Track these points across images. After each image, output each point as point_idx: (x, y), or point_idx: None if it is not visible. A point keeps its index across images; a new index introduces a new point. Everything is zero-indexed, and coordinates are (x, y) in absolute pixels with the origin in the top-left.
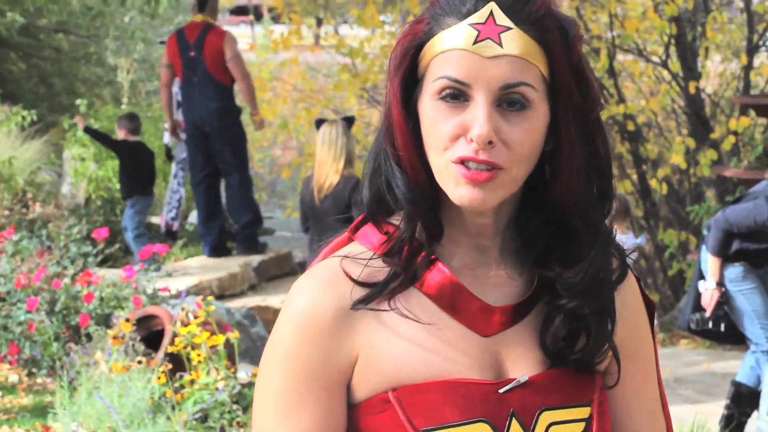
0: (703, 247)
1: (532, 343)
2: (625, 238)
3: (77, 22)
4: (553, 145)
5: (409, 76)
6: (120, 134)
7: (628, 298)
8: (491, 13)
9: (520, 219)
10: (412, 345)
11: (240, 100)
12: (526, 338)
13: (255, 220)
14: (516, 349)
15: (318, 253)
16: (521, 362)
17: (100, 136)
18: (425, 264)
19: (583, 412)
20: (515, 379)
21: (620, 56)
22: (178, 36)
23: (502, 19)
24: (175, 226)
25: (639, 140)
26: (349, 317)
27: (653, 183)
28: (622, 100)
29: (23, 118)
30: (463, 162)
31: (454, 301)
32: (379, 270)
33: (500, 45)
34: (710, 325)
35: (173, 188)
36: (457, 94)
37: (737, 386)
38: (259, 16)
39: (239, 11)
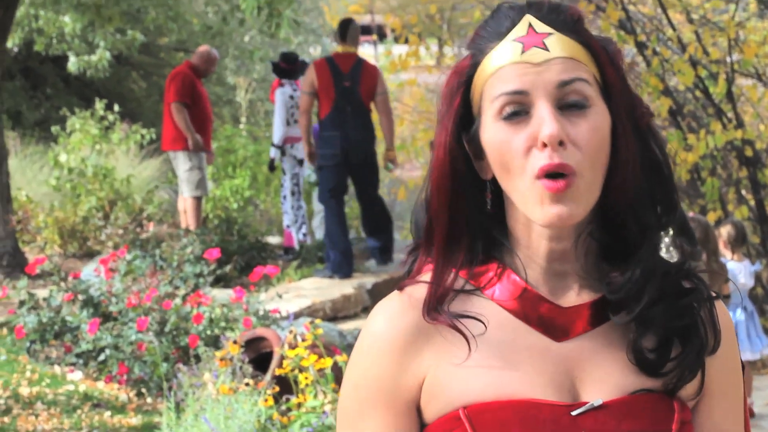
0: None
1: (612, 364)
2: (741, 265)
3: (197, 41)
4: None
5: (461, 115)
6: None
7: (723, 334)
8: (530, 25)
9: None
10: (484, 364)
11: None
12: (605, 356)
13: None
14: (594, 369)
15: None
16: (599, 384)
17: None
18: (498, 275)
19: None
20: (589, 402)
21: (739, 81)
22: (329, 65)
23: (541, 27)
24: (309, 239)
25: (757, 166)
26: (420, 339)
27: None
28: (740, 125)
29: (142, 136)
30: (544, 175)
31: (527, 308)
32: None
33: (547, 49)
34: None
35: (294, 205)
36: (518, 111)
37: None
38: (382, 36)
39: (363, 30)
